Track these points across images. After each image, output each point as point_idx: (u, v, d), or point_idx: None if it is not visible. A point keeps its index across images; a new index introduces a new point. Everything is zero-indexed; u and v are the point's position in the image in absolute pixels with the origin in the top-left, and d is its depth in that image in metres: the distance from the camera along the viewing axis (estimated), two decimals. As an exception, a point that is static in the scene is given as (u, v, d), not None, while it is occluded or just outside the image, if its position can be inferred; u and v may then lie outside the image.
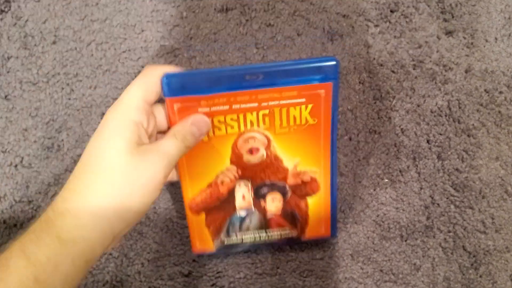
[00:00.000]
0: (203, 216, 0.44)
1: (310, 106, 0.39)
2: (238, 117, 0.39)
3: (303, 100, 0.39)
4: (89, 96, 0.50)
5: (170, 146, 0.35)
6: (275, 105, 0.39)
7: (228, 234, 0.45)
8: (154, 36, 0.52)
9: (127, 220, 0.33)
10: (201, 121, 0.38)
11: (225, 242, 0.45)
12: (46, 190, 0.48)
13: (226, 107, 0.39)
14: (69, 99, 0.50)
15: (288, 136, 0.41)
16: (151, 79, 0.35)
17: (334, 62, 0.38)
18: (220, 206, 0.44)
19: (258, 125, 0.40)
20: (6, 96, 0.50)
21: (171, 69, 0.37)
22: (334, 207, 0.45)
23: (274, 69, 0.38)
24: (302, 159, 0.43)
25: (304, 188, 0.44)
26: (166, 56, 0.51)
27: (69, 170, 0.48)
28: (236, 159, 0.42)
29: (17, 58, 0.50)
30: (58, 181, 0.48)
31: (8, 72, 0.50)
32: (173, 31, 0.52)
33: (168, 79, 0.36)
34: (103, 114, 0.49)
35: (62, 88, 0.50)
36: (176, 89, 0.37)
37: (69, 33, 0.51)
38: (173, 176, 0.41)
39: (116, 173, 0.32)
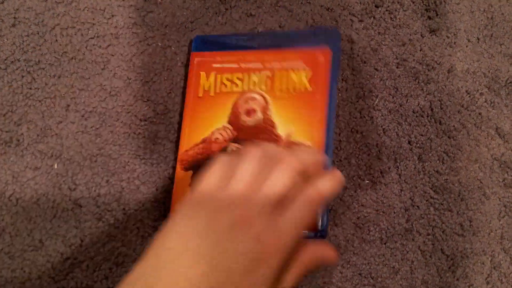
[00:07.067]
0: (190, 174, 0.44)
1: (309, 73, 0.44)
2: (243, 76, 0.45)
3: (302, 64, 0.44)
4: (52, 86, 0.46)
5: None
6: (277, 67, 0.45)
7: None
8: (125, 22, 0.48)
9: None
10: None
11: None
12: (3, 189, 0.44)
13: (235, 65, 0.45)
14: (30, 88, 0.45)
15: (286, 101, 0.44)
16: None
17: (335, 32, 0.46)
18: None
19: (260, 87, 0.45)
20: (-43, 83, 0.45)
21: None
22: None
23: (281, 34, 0.48)
24: (297, 129, 0.43)
25: None
26: (139, 44, 0.48)
27: (29, 167, 0.44)
28: (234, 119, 0.44)
29: (-30, 41, 0.45)
30: (17, 179, 0.44)
31: (-41, 56, 0.45)
32: (146, 18, 0.48)
33: (196, 38, 0.47)
34: (68, 106, 0.46)
35: (22, 76, 0.46)
36: (200, 46, 0.47)
37: (30, 16, 0.46)
38: None
39: None
